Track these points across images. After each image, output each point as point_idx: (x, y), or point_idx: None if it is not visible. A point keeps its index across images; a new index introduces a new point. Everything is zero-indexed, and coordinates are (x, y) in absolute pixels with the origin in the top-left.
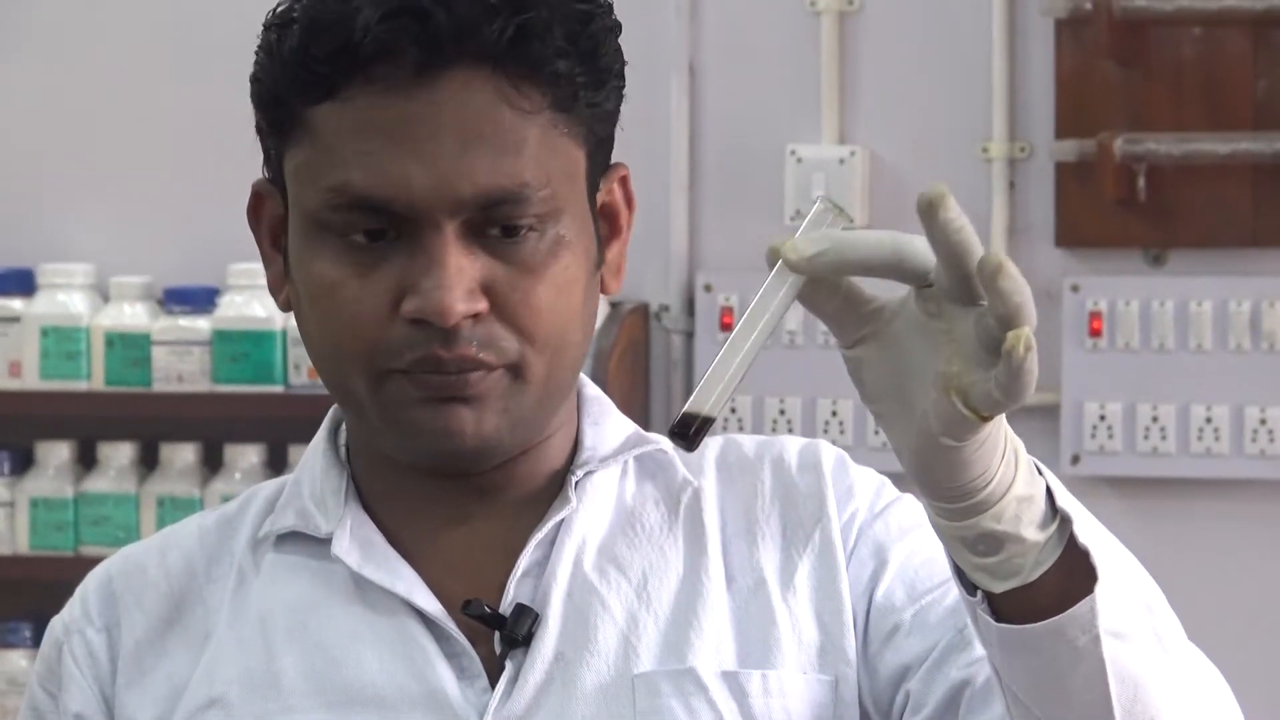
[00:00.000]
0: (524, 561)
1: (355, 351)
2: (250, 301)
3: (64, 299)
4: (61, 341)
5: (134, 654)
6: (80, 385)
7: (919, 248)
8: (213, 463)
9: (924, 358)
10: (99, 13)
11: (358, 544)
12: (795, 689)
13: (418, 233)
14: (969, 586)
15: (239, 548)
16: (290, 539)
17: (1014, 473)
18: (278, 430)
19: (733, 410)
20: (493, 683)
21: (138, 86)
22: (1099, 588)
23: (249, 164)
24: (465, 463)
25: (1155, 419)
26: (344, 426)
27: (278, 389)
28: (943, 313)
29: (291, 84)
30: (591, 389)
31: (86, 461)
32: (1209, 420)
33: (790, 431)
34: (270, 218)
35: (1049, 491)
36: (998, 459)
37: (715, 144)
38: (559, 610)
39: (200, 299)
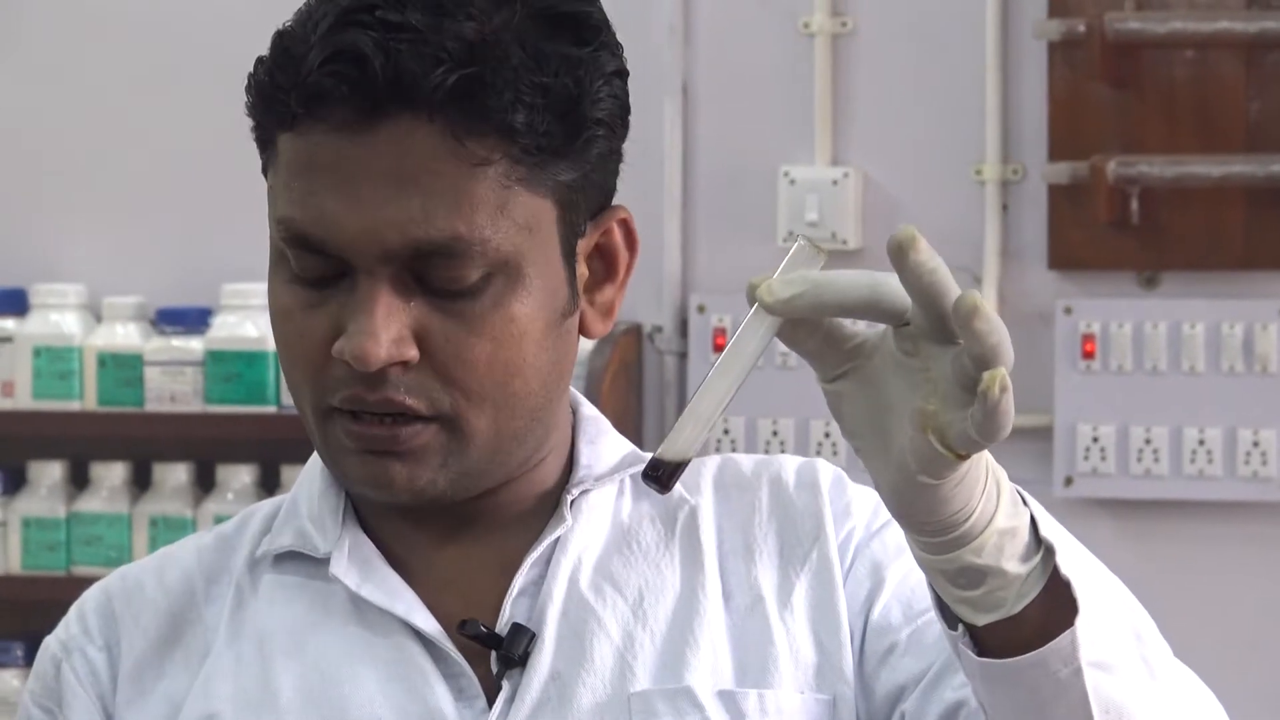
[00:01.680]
0: (520, 581)
1: (303, 380)
2: (243, 322)
3: (56, 319)
4: (54, 361)
5: (133, 673)
6: (73, 405)
7: (895, 288)
8: (205, 483)
9: (902, 395)
10: (93, 33)
11: (356, 564)
12: (792, 708)
13: (353, 275)
14: (950, 620)
15: (237, 567)
16: (288, 558)
17: (995, 505)
18: (270, 450)
19: (725, 431)
20: (490, 702)
21: (131, 107)
22: (1079, 620)
23: (242, 185)
24: (410, 510)
25: (1148, 441)
26: None
27: (270, 409)
28: (920, 351)
29: (264, 110)
30: (588, 409)
31: (79, 481)
32: (1202, 442)
33: (783, 453)
34: None
35: (1033, 522)
36: (978, 492)
37: (708, 166)
38: (555, 629)
39: (193, 319)
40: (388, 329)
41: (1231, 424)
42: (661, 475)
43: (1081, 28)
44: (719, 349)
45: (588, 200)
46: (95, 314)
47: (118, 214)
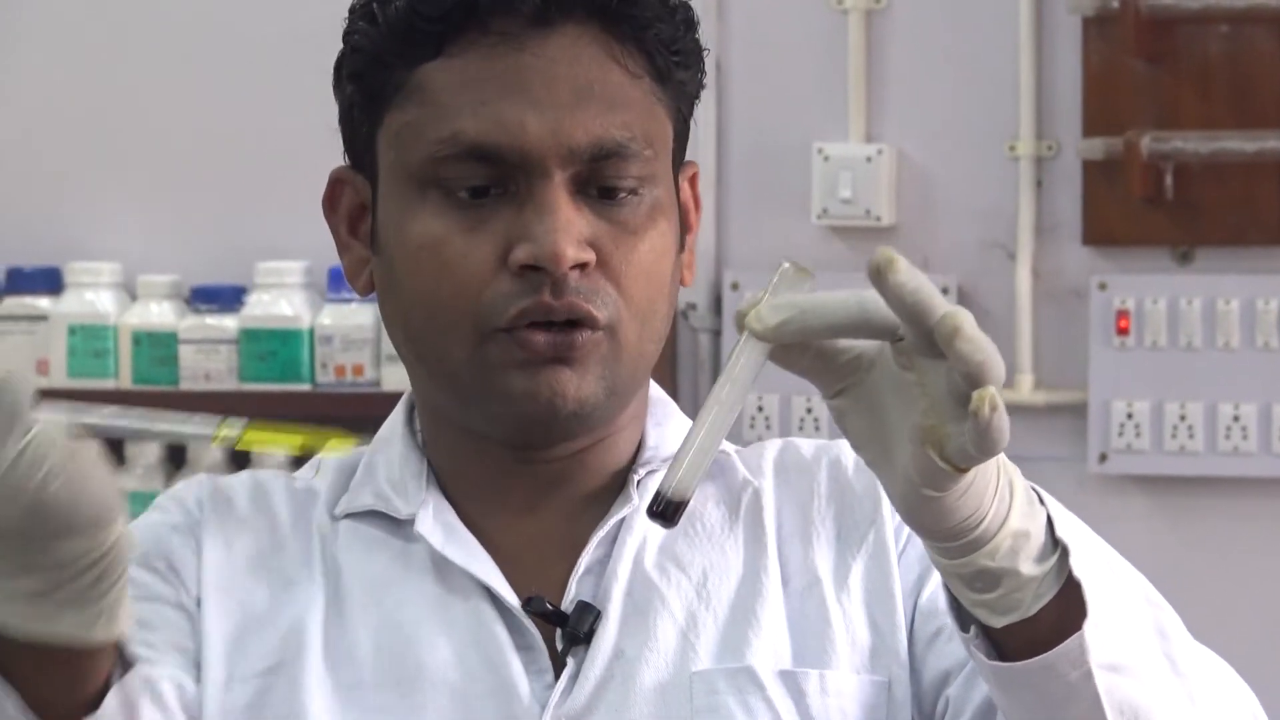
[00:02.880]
0: (585, 559)
1: (458, 308)
2: (278, 300)
3: (91, 297)
4: (89, 340)
5: (218, 572)
6: (108, 383)
7: (884, 304)
8: (240, 461)
9: (901, 409)
10: (124, 11)
11: (440, 526)
12: (849, 689)
13: (528, 182)
14: (963, 622)
15: (317, 515)
16: (368, 515)
17: (1009, 507)
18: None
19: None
20: (555, 677)
21: (164, 85)
22: (1087, 623)
23: (276, 163)
24: (557, 430)
25: (1183, 417)
26: (416, 415)
27: (305, 387)
28: (914, 366)
29: (400, 46)
30: (656, 391)
31: (114, 460)
32: (1236, 419)
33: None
34: (350, 205)
35: (1049, 522)
36: (989, 497)
37: (742, 142)
38: (619, 607)
39: (227, 297)
40: (572, 229)
41: (1267, 400)
42: (667, 511)
43: (1116, 3)
44: None
45: (684, 140)
46: (130, 292)
47: (152, 192)
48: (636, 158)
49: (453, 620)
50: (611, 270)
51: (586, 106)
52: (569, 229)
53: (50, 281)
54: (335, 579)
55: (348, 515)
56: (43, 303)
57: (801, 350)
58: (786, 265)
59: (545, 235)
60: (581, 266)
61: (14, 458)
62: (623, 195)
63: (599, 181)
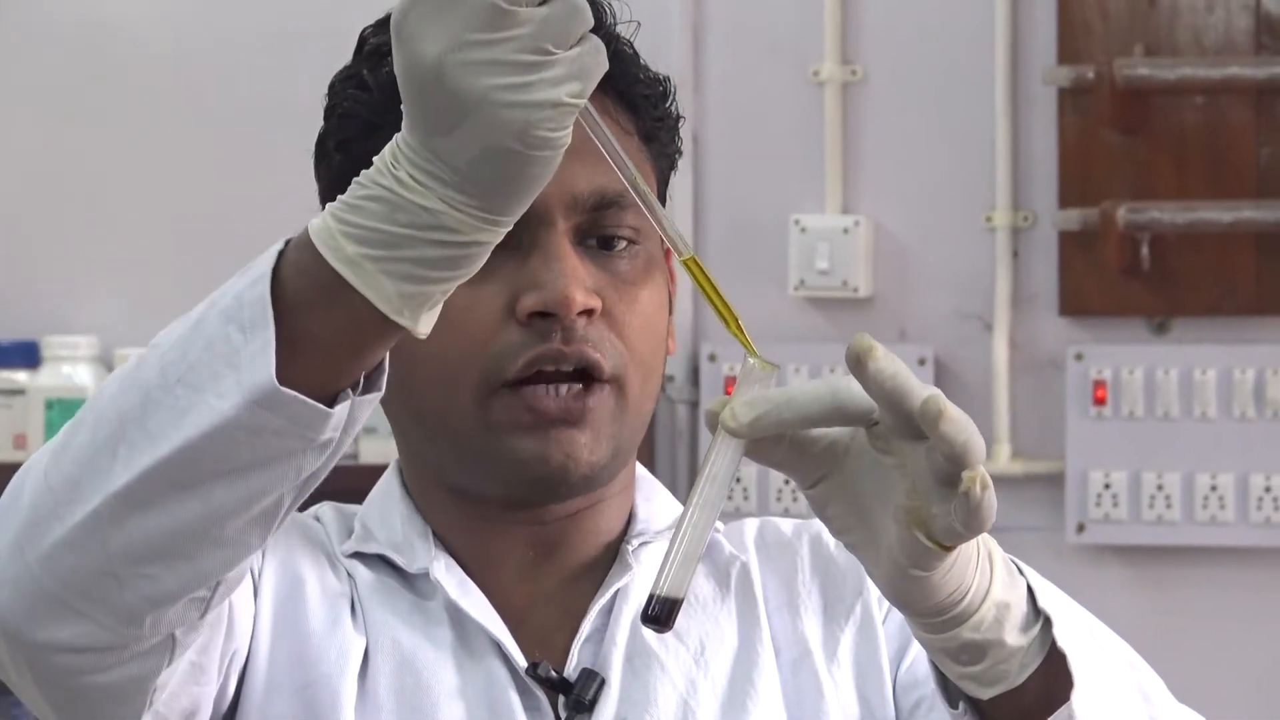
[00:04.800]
0: (586, 627)
1: (465, 361)
2: None
3: (69, 371)
4: (66, 413)
5: (281, 609)
6: None
7: (856, 391)
8: None
9: (881, 493)
10: (100, 86)
11: (454, 579)
12: None
13: (531, 233)
14: (951, 698)
15: (338, 555)
16: (376, 563)
17: (989, 580)
18: None
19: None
20: None
21: (141, 159)
22: (1075, 694)
23: (255, 238)
24: (563, 491)
25: (1160, 487)
26: (406, 481)
27: None
28: (893, 449)
29: (395, 107)
30: (641, 469)
31: None
32: (1214, 488)
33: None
34: None
35: (1030, 592)
36: (971, 570)
37: (719, 214)
38: (620, 674)
39: None
40: (579, 276)
41: (1244, 470)
42: (661, 614)
43: (1091, 74)
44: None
45: (663, 205)
46: (107, 366)
47: (129, 266)
48: (634, 208)
49: (466, 678)
50: (615, 320)
51: (586, 158)
52: (576, 274)
53: (27, 356)
54: (361, 617)
55: (356, 555)
56: (20, 376)
57: (776, 443)
58: (752, 361)
59: (554, 281)
60: (588, 314)
61: None
62: (621, 246)
63: (598, 232)
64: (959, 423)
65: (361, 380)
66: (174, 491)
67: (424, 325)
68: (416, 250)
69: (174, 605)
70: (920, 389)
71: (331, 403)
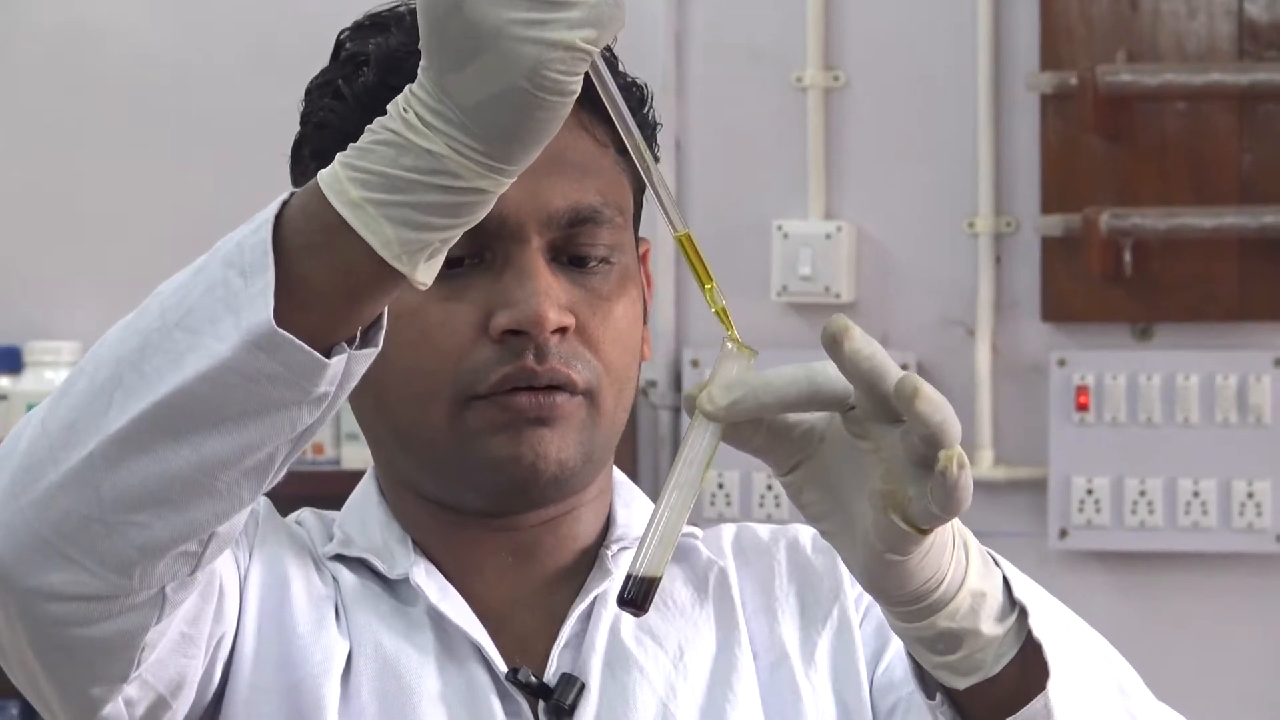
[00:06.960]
0: (565, 632)
1: (437, 376)
2: None
3: (51, 376)
4: None
5: (272, 609)
6: None
7: (833, 375)
8: None
9: (858, 478)
10: (83, 91)
11: (434, 583)
12: None
13: (505, 249)
14: (928, 689)
15: (321, 558)
16: (357, 567)
17: (965, 568)
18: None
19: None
20: None
21: (123, 165)
22: (1051, 684)
23: None
24: (535, 494)
25: (1143, 493)
26: (383, 489)
27: None
28: (868, 433)
29: (370, 118)
30: (619, 474)
31: None
32: (1196, 494)
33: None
34: None
35: (1006, 583)
36: (947, 558)
37: (702, 220)
38: (599, 679)
39: None
40: (552, 293)
41: (1226, 476)
42: (638, 597)
43: (1073, 80)
44: None
45: (640, 214)
46: None
47: (111, 272)
48: (609, 224)
49: (448, 682)
50: (589, 336)
51: (561, 173)
52: (550, 293)
53: (10, 361)
54: (345, 619)
55: (339, 558)
56: (2, 382)
57: (754, 427)
58: (730, 345)
59: (527, 300)
60: (561, 331)
61: None
62: (594, 263)
63: (571, 250)
64: (935, 401)
65: (358, 337)
66: (166, 439)
67: (422, 274)
68: (418, 195)
69: (165, 556)
70: (896, 370)
71: (328, 355)
